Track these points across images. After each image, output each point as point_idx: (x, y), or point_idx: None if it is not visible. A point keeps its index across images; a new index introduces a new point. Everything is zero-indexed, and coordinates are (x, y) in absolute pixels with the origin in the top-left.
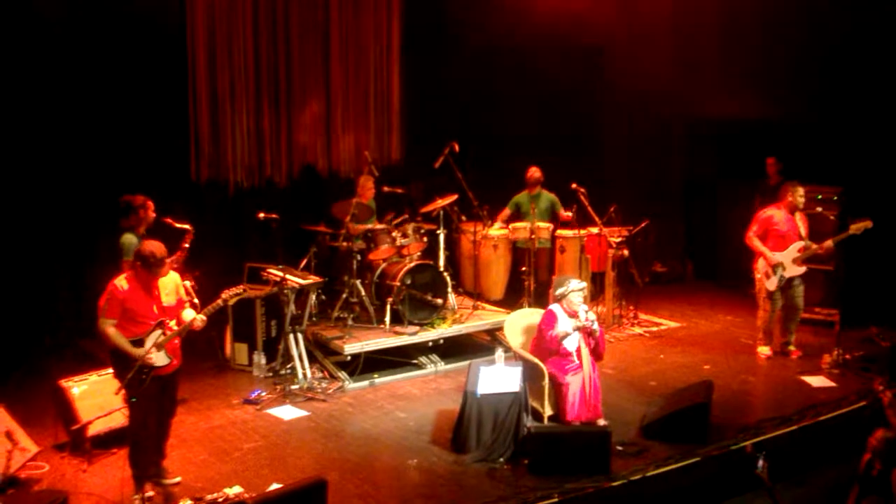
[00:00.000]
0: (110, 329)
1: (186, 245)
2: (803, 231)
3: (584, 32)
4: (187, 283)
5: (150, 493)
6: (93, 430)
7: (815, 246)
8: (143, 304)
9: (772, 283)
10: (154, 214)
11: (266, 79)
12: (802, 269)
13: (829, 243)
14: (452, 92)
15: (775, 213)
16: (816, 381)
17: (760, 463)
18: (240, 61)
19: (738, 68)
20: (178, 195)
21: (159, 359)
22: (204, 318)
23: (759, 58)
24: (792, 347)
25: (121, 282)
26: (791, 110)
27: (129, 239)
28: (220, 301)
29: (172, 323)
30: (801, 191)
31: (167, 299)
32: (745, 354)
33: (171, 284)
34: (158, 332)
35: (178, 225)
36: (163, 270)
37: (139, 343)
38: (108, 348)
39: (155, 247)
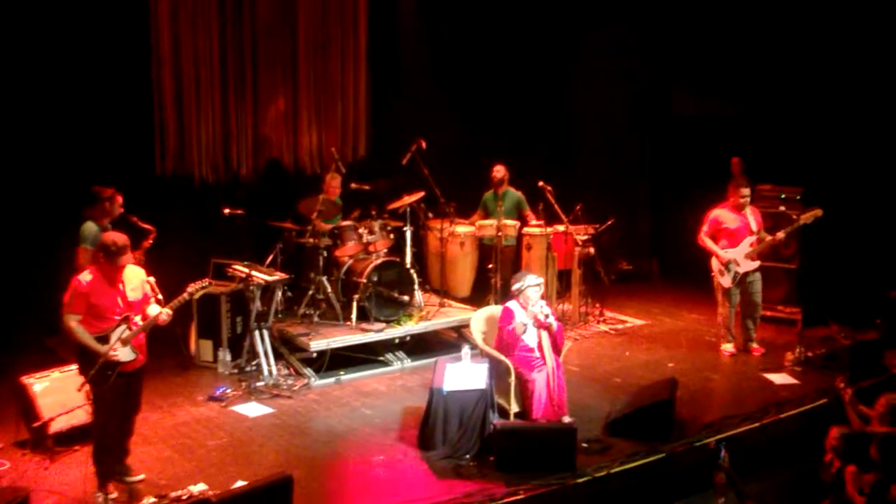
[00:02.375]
0: (74, 324)
1: (147, 245)
2: (755, 226)
3: (554, 29)
4: (152, 279)
5: (114, 494)
6: (55, 427)
7: (768, 238)
8: (107, 298)
9: (726, 280)
10: (121, 210)
11: (232, 73)
12: (756, 264)
13: (780, 234)
14: (420, 88)
15: (722, 213)
16: (779, 378)
17: (722, 454)
18: (205, 55)
19: (702, 67)
20: (143, 189)
21: (125, 354)
22: (169, 312)
23: (724, 56)
24: (754, 345)
25: (84, 276)
26: (755, 109)
27: (90, 227)
28: (185, 295)
29: (138, 318)
30: (744, 191)
31: (132, 294)
32: (709, 352)
33: (137, 280)
34: (123, 327)
35: (142, 224)
36: (124, 260)
37: (104, 339)
38: (73, 344)
39: (116, 236)
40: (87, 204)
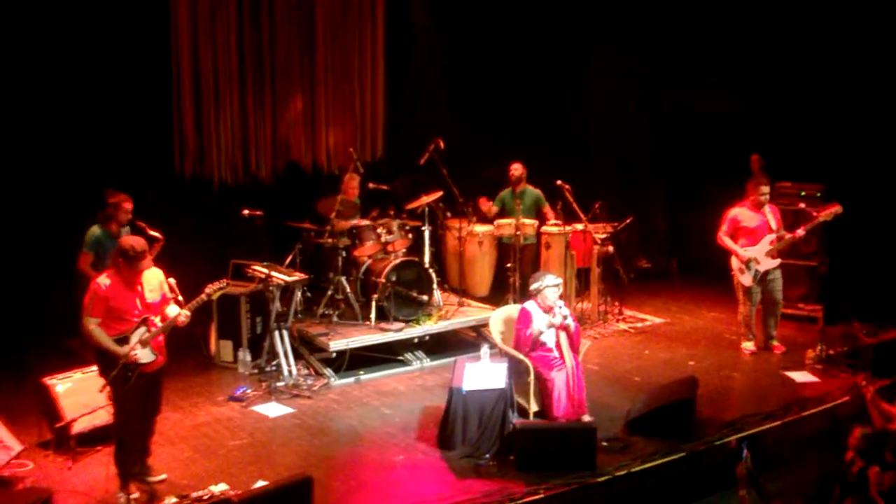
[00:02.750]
0: (94, 328)
1: (154, 253)
2: (774, 224)
3: (568, 28)
4: (172, 281)
5: (136, 494)
6: (77, 428)
7: (788, 235)
8: (126, 300)
9: (746, 279)
10: (128, 216)
11: (250, 74)
12: (777, 262)
13: (800, 231)
14: (437, 87)
15: (741, 212)
16: (800, 376)
17: (745, 453)
18: (223, 56)
19: (719, 63)
20: (163, 190)
21: (144, 356)
22: (188, 313)
23: (741, 52)
24: (775, 343)
25: (103, 279)
26: (773, 105)
27: (92, 231)
28: (203, 296)
29: (157, 319)
30: (763, 189)
31: (151, 296)
32: (729, 350)
33: (155, 281)
34: (143, 328)
35: (150, 231)
36: (144, 264)
37: (124, 340)
38: (93, 347)
39: (135, 241)
40: (99, 207)
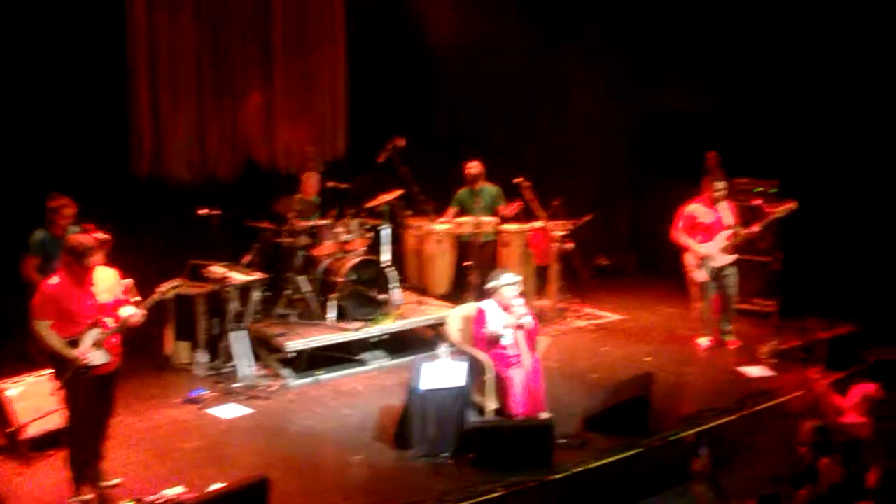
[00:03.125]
0: (45, 330)
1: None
2: (730, 220)
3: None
4: (130, 281)
5: (89, 496)
6: (29, 433)
7: (743, 231)
8: (77, 301)
9: (701, 275)
10: (69, 220)
11: (207, 72)
12: (732, 258)
13: (755, 227)
14: (399, 85)
15: (696, 208)
16: (754, 371)
17: (703, 450)
18: (180, 53)
19: (678, 60)
20: (119, 189)
21: (97, 357)
22: (142, 312)
23: (700, 52)
24: (730, 338)
25: (53, 280)
26: (731, 104)
27: (35, 235)
28: (156, 295)
29: (110, 321)
30: (718, 185)
31: (104, 296)
32: (685, 346)
33: (108, 282)
34: (96, 330)
35: (94, 234)
36: (92, 261)
37: (76, 343)
38: (46, 350)
39: (82, 237)
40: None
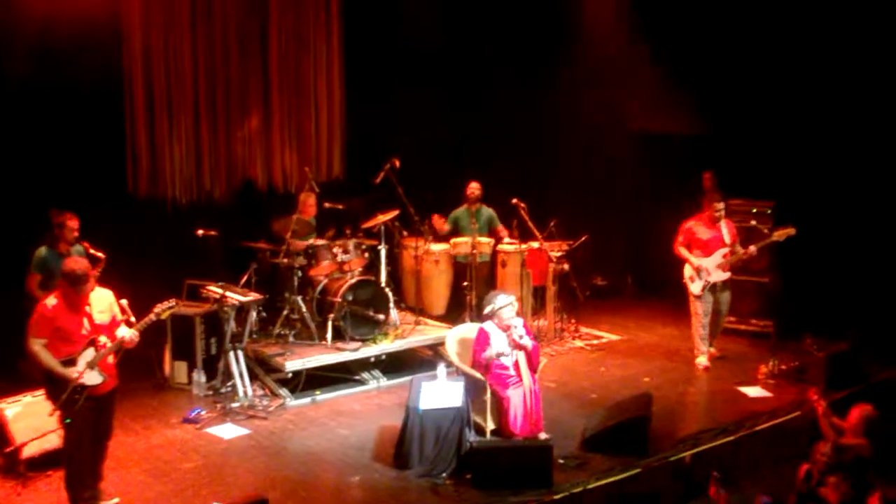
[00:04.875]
0: (39, 349)
1: (96, 273)
2: (728, 238)
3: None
4: (124, 302)
5: None
6: (27, 453)
7: (741, 251)
8: (73, 322)
9: (696, 287)
10: (75, 234)
11: (204, 91)
12: (727, 275)
13: (752, 248)
14: (394, 106)
15: (695, 225)
16: (753, 391)
17: (713, 490)
18: (177, 73)
19: (672, 83)
20: (116, 209)
21: (92, 378)
22: (136, 333)
23: (697, 75)
24: (711, 349)
25: (50, 300)
26: (726, 125)
27: (39, 253)
28: (152, 315)
29: (106, 341)
30: (717, 205)
31: (100, 317)
32: (683, 365)
33: (105, 303)
34: (91, 350)
35: (92, 251)
36: (86, 287)
37: (71, 363)
38: (40, 369)
39: (76, 263)
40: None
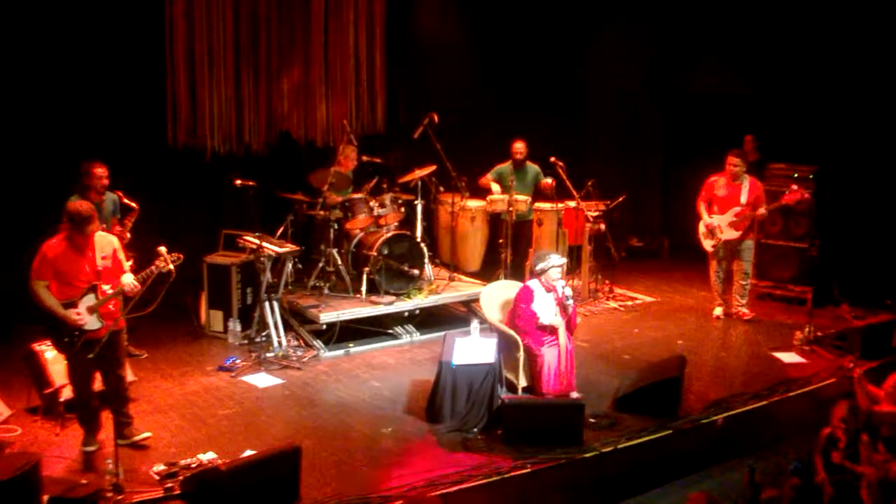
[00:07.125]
0: (41, 289)
1: (129, 223)
2: (745, 198)
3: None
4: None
5: (93, 447)
6: (65, 395)
7: (750, 212)
8: (75, 265)
9: (707, 244)
10: (103, 181)
11: (245, 44)
12: (736, 234)
13: (762, 210)
14: (437, 61)
15: (717, 180)
16: (788, 357)
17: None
18: (218, 26)
19: (715, 44)
20: (155, 160)
21: (91, 322)
22: (136, 283)
23: (744, 36)
24: (743, 310)
25: (53, 242)
26: (770, 87)
27: (71, 201)
28: (153, 268)
29: (107, 287)
30: (733, 160)
31: (103, 262)
32: (718, 329)
33: (109, 248)
34: (91, 295)
35: (125, 200)
36: (90, 228)
37: (71, 305)
38: (41, 309)
39: (80, 205)
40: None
